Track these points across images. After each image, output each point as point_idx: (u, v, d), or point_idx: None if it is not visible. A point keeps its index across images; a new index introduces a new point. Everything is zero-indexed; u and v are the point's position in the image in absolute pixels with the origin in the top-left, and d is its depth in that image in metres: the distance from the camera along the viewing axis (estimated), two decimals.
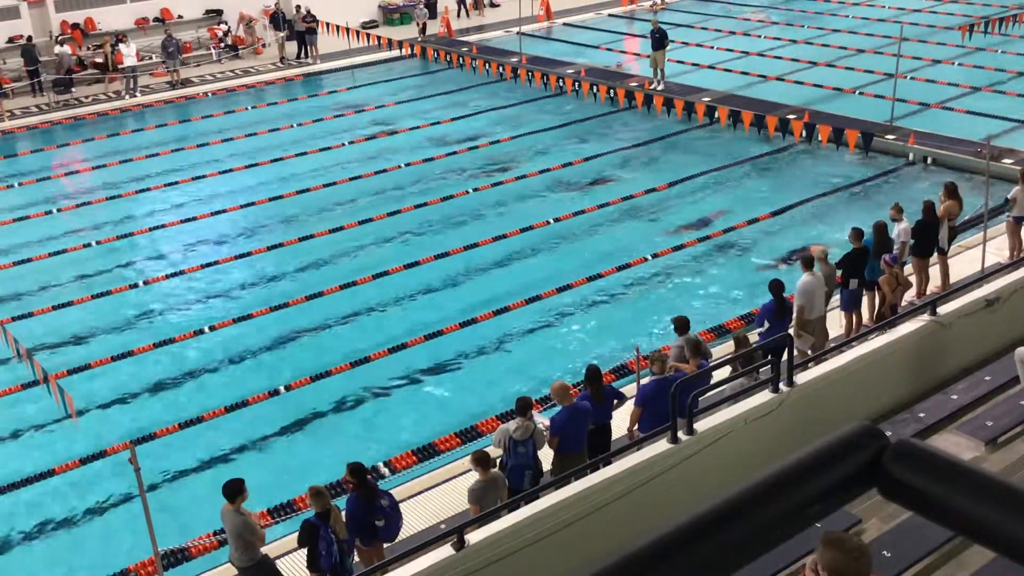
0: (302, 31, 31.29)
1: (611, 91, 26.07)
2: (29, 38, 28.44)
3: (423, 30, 33.29)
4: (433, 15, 34.98)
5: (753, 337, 12.42)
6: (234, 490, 9.05)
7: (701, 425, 9.77)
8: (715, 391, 10.56)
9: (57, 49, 28.60)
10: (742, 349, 11.14)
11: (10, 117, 26.81)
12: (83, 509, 11.74)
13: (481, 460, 9.49)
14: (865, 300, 13.73)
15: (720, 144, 23.18)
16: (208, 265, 17.79)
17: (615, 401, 10.86)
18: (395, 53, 31.36)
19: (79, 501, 11.84)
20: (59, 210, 20.73)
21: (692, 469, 9.47)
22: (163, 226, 19.60)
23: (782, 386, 10.34)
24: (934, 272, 14.69)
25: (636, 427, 10.64)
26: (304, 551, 9.14)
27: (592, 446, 10.42)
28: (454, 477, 11.26)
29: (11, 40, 28.74)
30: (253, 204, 20.51)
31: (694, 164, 21.75)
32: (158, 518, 9.12)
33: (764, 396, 10.28)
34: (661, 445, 9.55)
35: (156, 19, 31.31)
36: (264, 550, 9.65)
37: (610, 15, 37.24)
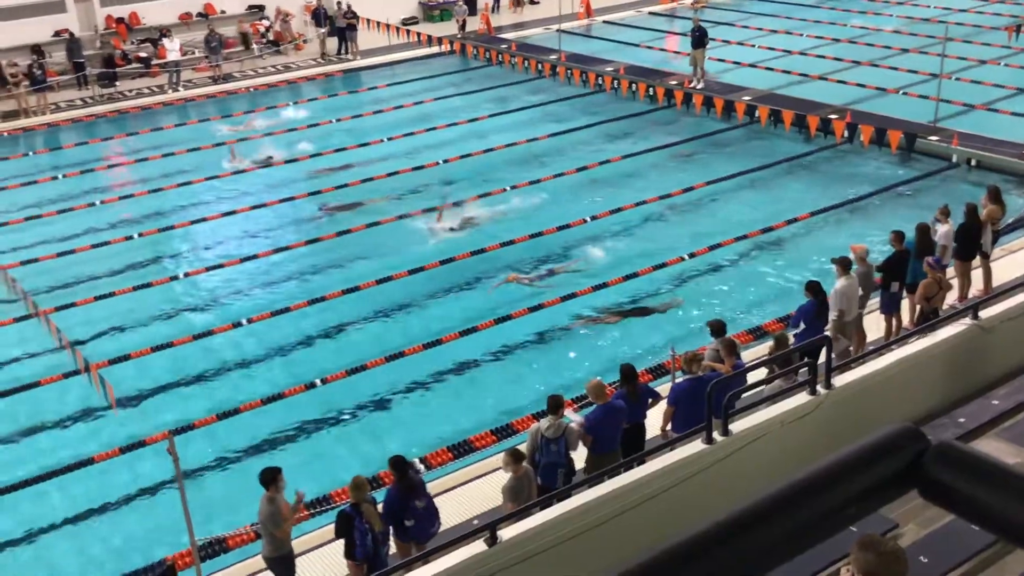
0: (343, 27, 31.49)
1: (650, 89, 25.99)
2: (71, 34, 28.88)
3: (463, 27, 33.35)
4: (473, 12, 35.04)
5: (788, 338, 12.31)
6: (268, 478, 9.13)
7: (736, 426, 9.69)
8: (752, 392, 10.48)
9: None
10: (780, 350, 11.05)
11: (55, 110, 27.23)
12: (121, 498, 11.89)
13: (514, 457, 9.52)
14: (905, 303, 13.58)
15: (760, 143, 23.00)
16: (247, 259, 17.96)
17: (650, 400, 10.82)
18: (435, 50, 31.50)
19: (118, 490, 11.99)
20: (102, 202, 21.02)
21: (726, 470, 9.40)
22: (204, 219, 19.81)
23: (820, 388, 10.23)
24: (976, 275, 14.49)
25: (669, 426, 10.61)
26: (341, 541, 9.22)
27: (626, 445, 10.39)
28: (488, 473, 11.28)
29: (57, 34, 29.18)
30: (292, 199, 20.66)
31: (733, 163, 21.60)
32: (195, 508, 9.22)
33: (801, 398, 10.18)
34: (696, 445, 9.49)
35: (200, 14, 31.64)
36: (299, 542, 9.73)
37: (650, 13, 37.07)
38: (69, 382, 14.05)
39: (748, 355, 12.71)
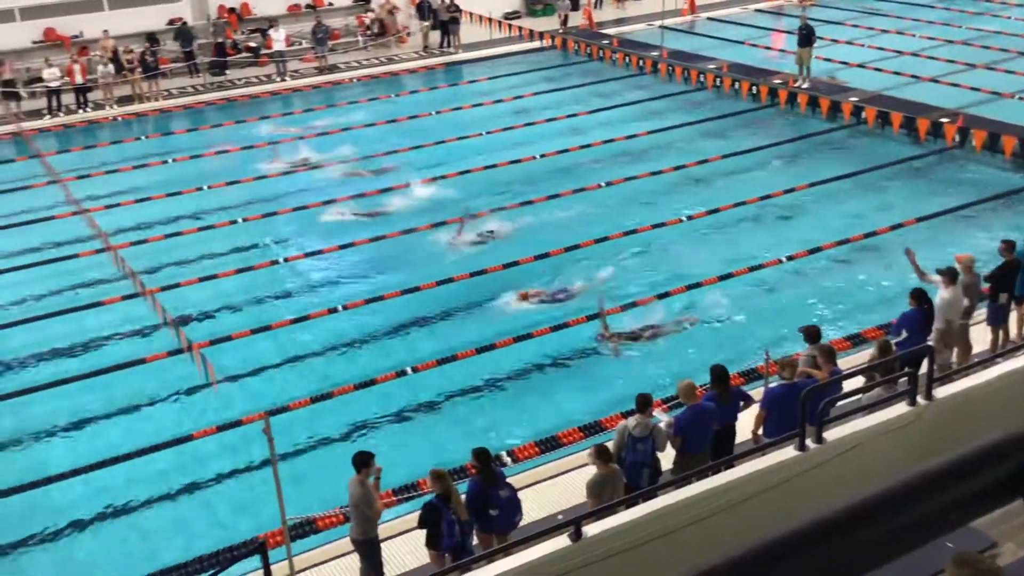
0: (446, 20, 31.78)
1: (754, 87, 25.57)
2: (184, 22, 29.88)
3: (565, 22, 33.31)
4: (576, 7, 34.99)
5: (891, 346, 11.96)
6: (361, 461, 9.26)
7: (831, 434, 9.48)
8: (850, 400, 10.23)
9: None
10: (882, 358, 10.76)
11: (167, 96, 28.15)
12: (217, 475, 12.26)
13: (601, 453, 9.49)
14: (1014, 315, 13.07)
15: (866, 146, 22.42)
16: (345, 246, 18.27)
17: (741, 403, 10.66)
18: (536, 44, 31.57)
19: (214, 467, 12.36)
20: (209, 187, 21.64)
21: (818, 479, 9.21)
22: (305, 207, 20.21)
23: (920, 399, 9.93)
24: None
25: (760, 430, 10.44)
26: (421, 532, 9.31)
27: (716, 447, 10.27)
28: (573, 469, 11.27)
29: (171, 22, 30.16)
30: (390, 189, 20.92)
31: (837, 165, 21.11)
32: (286, 489, 9.42)
33: (900, 409, 9.90)
34: (788, 451, 9.31)
35: (308, 6, 32.30)
36: (383, 528, 9.85)
37: (756, 10, 36.48)
38: (172, 360, 14.53)
39: (845, 362, 12.41)
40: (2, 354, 15.16)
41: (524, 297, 15.94)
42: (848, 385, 10.56)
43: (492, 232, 18.50)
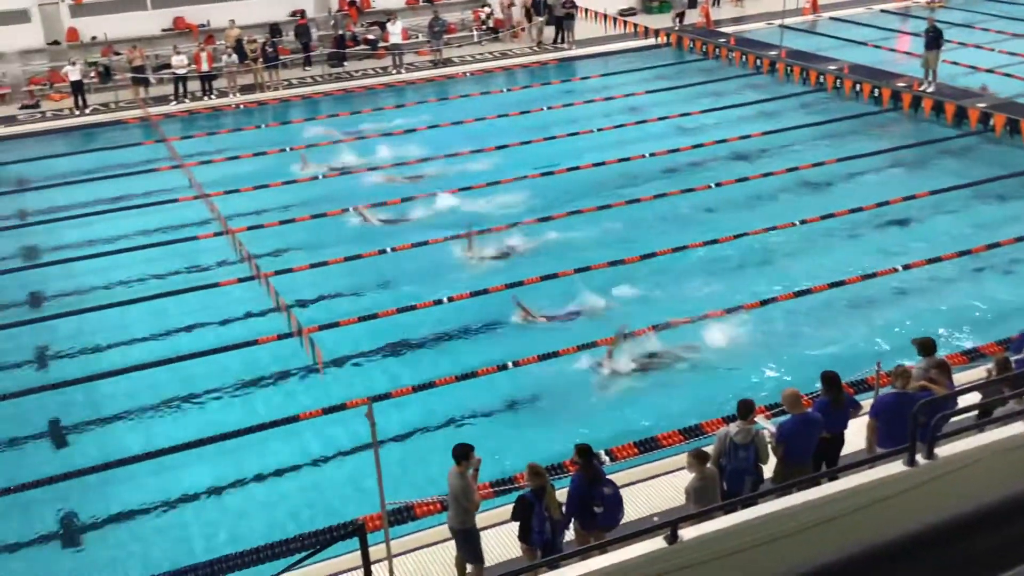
0: (561, 16, 31.78)
1: (875, 90, 24.84)
2: (302, 15, 30.60)
3: (680, 19, 32.92)
4: (693, 4, 34.55)
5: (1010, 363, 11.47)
6: (461, 453, 9.35)
7: (942, 451, 9.15)
8: (964, 416, 9.86)
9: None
10: (1001, 374, 10.33)
11: (287, 86, 28.89)
12: (320, 456, 12.54)
13: (699, 457, 9.39)
14: None
15: (993, 154, 21.54)
16: (449, 238, 18.43)
17: (851, 410, 10.39)
18: (650, 41, 31.30)
19: (317, 449, 12.65)
20: (324, 176, 22.12)
21: (927, 496, 8.90)
22: (412, 198, 20.47)
23: None
24: None
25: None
26: (515, 524, 9.36)
27: (823, 456, 10.02)
28: (671, 472, 11.16)
29: (293, 14, 30.94)
30: (498, 183, 21.01)
31: (961, 173, 20.34)
32: (386, 474, 9.57)
33: (1017, 427, 9.49)
34: (896, 466, 9.03)
35: (426, 0, 32.73)
36: (479, 517, 9.94)
37: (882, 11, 35.43)
38: (282, 343, 14.92)
39: (959, 378, 11.95)
40: (122, 329, 15.82)
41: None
42: (962, 401, 10.17)
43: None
